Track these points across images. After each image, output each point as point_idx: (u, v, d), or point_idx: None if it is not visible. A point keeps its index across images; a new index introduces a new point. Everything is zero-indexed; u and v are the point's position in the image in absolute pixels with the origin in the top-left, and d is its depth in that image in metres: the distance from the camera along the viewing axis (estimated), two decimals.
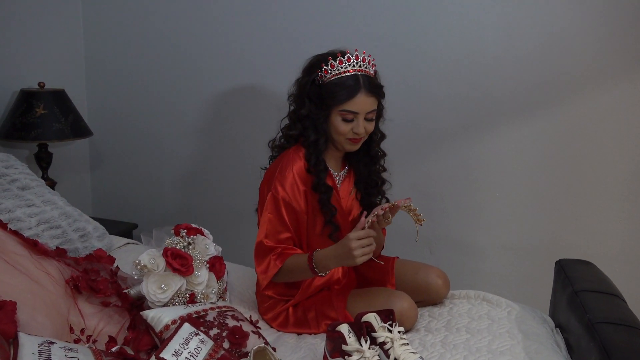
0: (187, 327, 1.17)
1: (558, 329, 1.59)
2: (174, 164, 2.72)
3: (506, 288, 2.27)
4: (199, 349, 1.13)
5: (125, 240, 2.06)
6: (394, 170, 2.30)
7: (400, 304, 1.48)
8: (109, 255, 1.63)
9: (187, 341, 1.13)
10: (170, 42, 2.59)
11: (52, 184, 2.40)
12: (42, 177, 2.39)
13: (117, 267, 1.62)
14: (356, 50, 1.52)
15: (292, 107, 1.63)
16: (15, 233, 1.32)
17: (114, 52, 2.71)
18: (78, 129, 2.38)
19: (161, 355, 1.07)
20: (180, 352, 1.10)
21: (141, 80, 2.69)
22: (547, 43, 2.02)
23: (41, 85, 2.34)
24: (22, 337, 1.03)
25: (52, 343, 1.04)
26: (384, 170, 1.69)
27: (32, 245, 1.30)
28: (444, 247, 2.34)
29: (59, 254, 1.51)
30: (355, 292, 1.60)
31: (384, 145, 1.70)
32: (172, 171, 2.73)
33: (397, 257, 1.74)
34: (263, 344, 1.20)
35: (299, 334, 1.56)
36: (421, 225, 1.47)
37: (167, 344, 1.11)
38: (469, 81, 2.15)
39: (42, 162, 2.39)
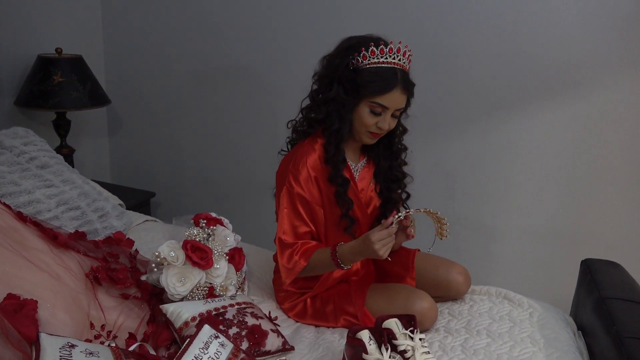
0: (206, 330, 1.16)
1: (580, 332, 1.56)
2: (193, 133, 2.68)
3: (523, 274, 2.25)
4: (219, 353, 1.13)
5: (144, 217, 2.05)
6: (417, 148, 2.24)
7: (420, 304, 1.46)
8: (128, 238, 1.63)
9: (207, 345, 1.13)
10: (191, 8, 2.50)
11: (70, 152, 2.39)
12: (60, 145, 2.37)
13: (137, 250, 1.62)
14: (400, 42, 1.41)
15: (315, 87, 1.54)
16: (35, 224, 1.30)
17: (132, 17, 2.63)
18: (96, 97, 2.34)
19: None
20: (201, 357, 1.10)
21: (160, 47, 2.62)
22: (579, 25, 1.92)
23: (58, 51, 2.28)
24: (44, 340, 1.03)
25: (73, 346, 1.04)
26: (405, 164, 1.62)
27: (52, 238, 1.28)
28: (463, 228, 2.31)
29: (78, 237, 1.50)
30: (374, 287, 1.58)
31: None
32: (191, 140, 2.70)
33: (418, 250, 1.71)
34: (284, 359, 1.19)
35: (316, 326, 1.56)
36: (441, 239, 1.44)
37: (187, 349, 1.10)
38: (498, 62, 2.06)
39: (61, 129, 2.37)
